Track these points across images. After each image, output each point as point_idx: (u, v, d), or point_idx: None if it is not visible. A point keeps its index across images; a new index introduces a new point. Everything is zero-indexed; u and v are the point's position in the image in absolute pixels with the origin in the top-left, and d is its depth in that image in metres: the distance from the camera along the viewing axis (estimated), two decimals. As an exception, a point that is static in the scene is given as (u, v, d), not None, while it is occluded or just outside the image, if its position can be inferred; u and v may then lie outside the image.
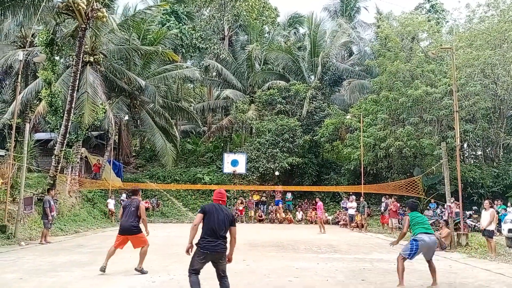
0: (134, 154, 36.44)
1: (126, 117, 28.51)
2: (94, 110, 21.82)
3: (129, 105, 28.65)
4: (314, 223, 25.75)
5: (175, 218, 25.92)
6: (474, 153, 30.91)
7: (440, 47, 24.13)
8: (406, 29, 27.27)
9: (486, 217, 12.38)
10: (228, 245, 5.60)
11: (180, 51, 35.04)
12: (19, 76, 18.71)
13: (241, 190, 28.71)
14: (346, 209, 23.35)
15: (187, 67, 32.76)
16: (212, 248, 5.42)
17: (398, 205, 21.13)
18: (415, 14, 29.87)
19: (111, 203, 23.61)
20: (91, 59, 23.35)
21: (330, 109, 30.29)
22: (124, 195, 24.99)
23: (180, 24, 34.84)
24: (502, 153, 27.05)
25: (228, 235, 5.65)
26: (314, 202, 24.10)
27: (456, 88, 17.13)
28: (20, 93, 21.82)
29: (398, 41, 27.10)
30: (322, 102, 31.15)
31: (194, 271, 5.52)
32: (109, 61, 26.30)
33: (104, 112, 22.72)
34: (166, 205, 27.51)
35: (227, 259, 5.68)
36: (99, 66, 24.18)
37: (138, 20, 26.76)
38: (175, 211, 27.07)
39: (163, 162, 30.23)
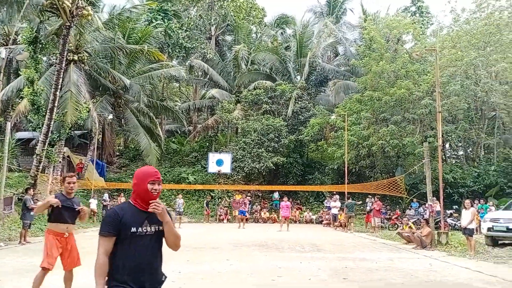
0: (117, 153, 36.05)
1: (110, 116, 28.18)
2: (77, 109, 21.54)
3: (113, 104, 28.35)
4: (298, 222, 25.96)
5: (159, 218, 25.74)
6: (455, 153, 31.43)
7: (424, 48, 24.57)
8: (392, 32, 27.64)
9: (467, 216, 12.63)
10: None
11: (166, 50, 34.83)
12: (1, 74, 18.48)
13: (225, 190, 28.69)
14: (330, 208, 23.53)
15: (172, 66, 32.57)
16: None
17: (381, 204, 21.45)
18: (400, 17, 30.30)
19: (93, 203, 23.36)
20: (75, 57, 23.05)
21: (315, 109, 30.49)
22: (106, 195, 24.78)
23: (167, 23, 34.62)
24: (483, 153, 27.58)
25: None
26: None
27: (439, 89, 17.42)
28: (1, 91, 21.48)
29: (383, 42, 27.47)
30: (307, 102, 31.33)
31: None
32: (94, 59, 26.00)
33: (88, 111, 22.46)
34: (149, 205, 27.29)
35: None
36: (83, 65, 23.90)
37: (124, 18, 26.49)
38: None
39: (147, 162, 29.91)
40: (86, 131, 29.72)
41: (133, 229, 2.84)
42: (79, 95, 22.12)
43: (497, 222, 13.59)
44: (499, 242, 13.85)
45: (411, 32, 28.50)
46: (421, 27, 31.14)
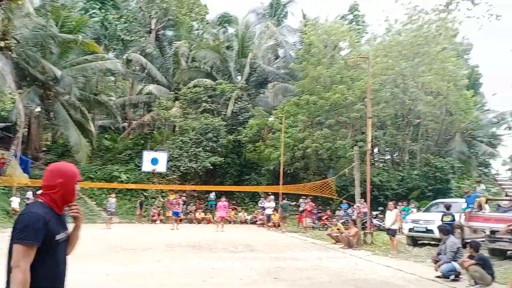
0: (44, 149, 33.83)
1: (38, 109, 26.54)
2: (1, 100, 20.07)
3: (41, 96, 26.62)
4: (232, 222, 26.08)
5: (87, 218, 24.33)
6: (383, 157, 33.30)
7: (358, 56, 25.79)
8: (330, 38, 28.64)
9: (391, 217, 13.45)
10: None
11: (103, 42, 33.39)
12: None
13: (160, 189, 28.05)
14: (264, 208, 23.90)
15: (109, 59, 31.27)
16: None
17: (313, 205, 22.20)
18: (338, 24, 31.47)
19: (15, 201, 21.81)
20: (2, 44, 21.39)
21: (254, 110, 30.81)
22: (30, 193, 23.25)
23: (104, 13, 33.21)
24: (407, 158, 29.45)
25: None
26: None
27: (370, 95, 18.40)
28: None
29: (321, 47, 28.41)
30: (247, 103, 31.54)
31: None
32: (22, 47, 24.32)
33: (13, 102, 21.01)
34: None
35: None
36: (10, 52, 22.26)
37: (58, 5, 25.09)
38: (87, 210, 25.58)
39: (76, 159, 28.41)
40: (10, 124, 27.62)
41: (57, 237, 2.51)
42: (4, 84, 20.59)
43: (418, 223, 14.64)
44: (419, 242, 14.91)
45: (348, 39, 29.76)
46: (356, 35, 32.63)
